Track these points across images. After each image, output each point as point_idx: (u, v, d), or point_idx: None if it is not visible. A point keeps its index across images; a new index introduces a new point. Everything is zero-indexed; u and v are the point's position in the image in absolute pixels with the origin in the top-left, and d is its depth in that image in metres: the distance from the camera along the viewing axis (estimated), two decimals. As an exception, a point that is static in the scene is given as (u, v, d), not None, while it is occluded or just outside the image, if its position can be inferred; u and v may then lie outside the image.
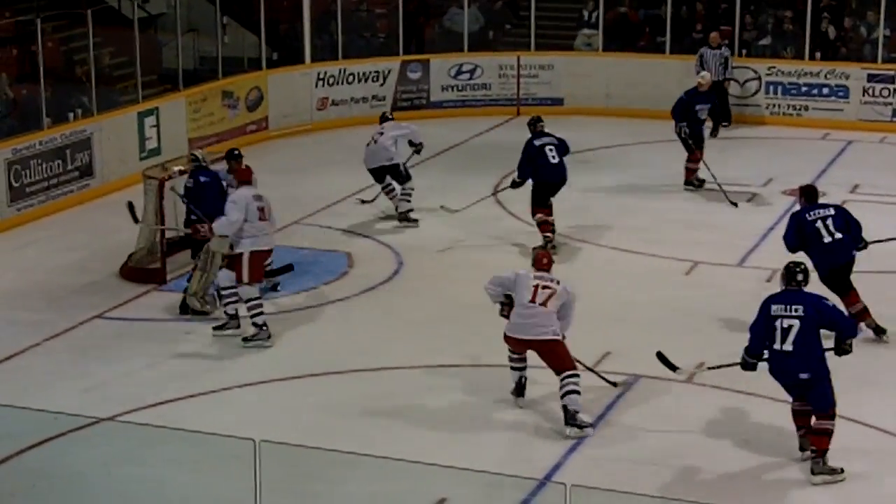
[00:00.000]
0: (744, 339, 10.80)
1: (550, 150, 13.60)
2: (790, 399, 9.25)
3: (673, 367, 10.01)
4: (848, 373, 9.50)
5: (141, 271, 12.76)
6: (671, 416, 10.01)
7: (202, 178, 12.20)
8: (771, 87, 19.37)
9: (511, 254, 13.53)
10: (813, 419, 9.08)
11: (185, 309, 11.91)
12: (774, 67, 19.35)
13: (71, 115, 15.98)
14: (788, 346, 8.95)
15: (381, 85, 19.75)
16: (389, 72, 19.77)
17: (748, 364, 9.35)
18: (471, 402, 10.26)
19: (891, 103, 18.83)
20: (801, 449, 9.22)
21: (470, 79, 20.11)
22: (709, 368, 10.04)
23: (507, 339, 9.96)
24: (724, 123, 18.93)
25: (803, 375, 8.97)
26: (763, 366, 9.23)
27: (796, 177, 16.33)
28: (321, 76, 19.31)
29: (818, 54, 19.30)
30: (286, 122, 18.88)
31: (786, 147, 18.22)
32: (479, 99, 20.15)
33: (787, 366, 9.01)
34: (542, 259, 10.14)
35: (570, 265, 13.37)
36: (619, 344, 11.24)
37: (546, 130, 13.77)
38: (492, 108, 20.04)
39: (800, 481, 9.06)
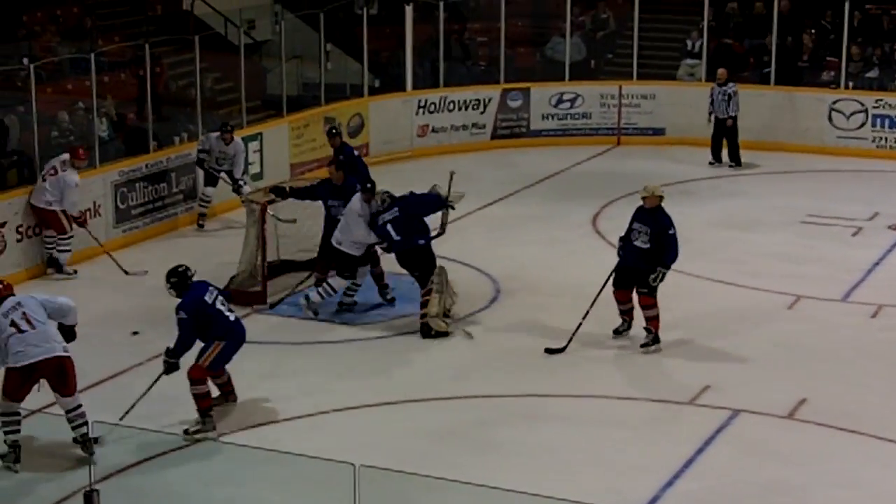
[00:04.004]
0: (849, 374, 10.61)
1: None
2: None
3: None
4: None
5: (242, 294, 12.90)
6: (770, 452, 9.84)
7: None
8: (878, 120, 19.01)
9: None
10: None
11: (426, 332, 12.04)
12: (882, 100, 19.00)
13: (177, 138, 16.30)
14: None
15: (482, 113, 19.81)
16: (490, 100, 19.82)
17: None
18: (565, 432, 10.20)
19: None
20: None
21: (570, 108, 20.06)
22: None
23: None
24: (730, 164, 18.42)
25: None
26: None
27: (903, 211, 16.02)
28: (422, 103, 19.43)
29: (927, 87, 18.98)
30: (387, 148, 19.01)
31: (892, 181, 17.87)
32: (580, 128, 20.07)
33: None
34: None
35: (666, 297, 13.23)
36: (718, 378, 11.09)
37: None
38: (592, 137, 19.97)
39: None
